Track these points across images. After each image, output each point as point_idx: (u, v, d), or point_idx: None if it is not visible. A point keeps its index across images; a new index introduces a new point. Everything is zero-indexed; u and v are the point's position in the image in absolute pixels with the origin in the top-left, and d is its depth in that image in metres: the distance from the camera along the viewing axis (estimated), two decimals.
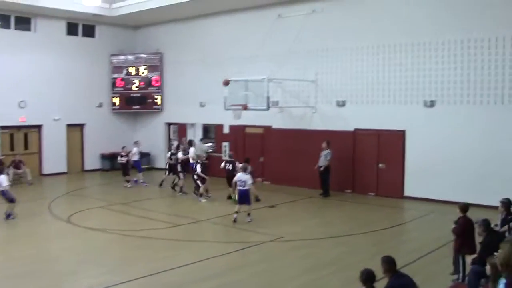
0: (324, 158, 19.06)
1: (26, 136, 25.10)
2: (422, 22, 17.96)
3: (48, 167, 25.40)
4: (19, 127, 24.65)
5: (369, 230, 14.38)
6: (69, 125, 26.18)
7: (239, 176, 15.43)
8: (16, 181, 21.91)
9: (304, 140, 20.88)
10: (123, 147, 22.34)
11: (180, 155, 20.14)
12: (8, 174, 17.29)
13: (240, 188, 15.26)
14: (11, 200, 15.69)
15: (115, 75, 27.32)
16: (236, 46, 23.28)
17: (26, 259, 11.93)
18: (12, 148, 24.37)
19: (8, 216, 15.61)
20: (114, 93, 27.45)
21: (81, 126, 26.81)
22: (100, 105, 27.16)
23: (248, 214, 15.34)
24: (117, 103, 27.49)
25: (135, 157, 22.26)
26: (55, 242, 13.83)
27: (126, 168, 22.00)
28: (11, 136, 24.57)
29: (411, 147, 18.43)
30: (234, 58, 23.12)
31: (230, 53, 23.49)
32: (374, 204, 18.08)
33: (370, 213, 16.85)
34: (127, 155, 21.80)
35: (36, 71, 24.62)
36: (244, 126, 22.69)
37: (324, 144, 19.09)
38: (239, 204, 15.30)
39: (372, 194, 19.37)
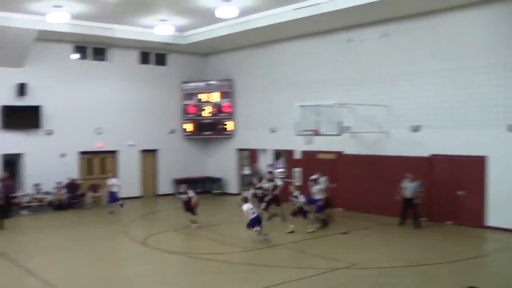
0: (412, 189, 18.27)
1: (103, 161, 25.90)
2: (502, 43, 17.29)
3: (123, 191, 25.95)
4: (96, 153, 25.50)
5: (447, 261, 13.76)
6: (143, 151, 26.84)
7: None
8: (93, 203, 22.63)
9: (377, 166, 20.48)
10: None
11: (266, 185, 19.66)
12: None
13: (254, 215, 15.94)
14: None
15: (187, 102, 27.85)
16: (307, 71, 23.26)
17: (104, 279, 12.29)
18: (90, 173, 25.20)
19: None
20: (185, 119, 27.94)
21: (154, 151, 27.40)
22: (172, 131, 27.70)
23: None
24: (189, 129, 27.96)
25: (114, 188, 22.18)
26: (132, 264, 14.16)
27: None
28: (89, 161, 25.42)
29: (493, 174, 17.54)
30: (305, 83, 23.11)
31: (301, 78, 23.49)
32: (452, 233, 17.38)
33: (448, 242, 16.19)
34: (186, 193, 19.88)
35: (112, 99, 25.49)
36: (316, 152, 22.49)
37: (409, 175, 18.40)
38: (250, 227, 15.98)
39: (450, 222, 18.61)
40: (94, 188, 23.63)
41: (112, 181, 22.15)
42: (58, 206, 22.38)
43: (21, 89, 22.60)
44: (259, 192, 19.24)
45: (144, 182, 26.97)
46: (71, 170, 23.76)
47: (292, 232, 17.10)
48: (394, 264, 13.45)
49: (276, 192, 19.11)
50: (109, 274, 12.90)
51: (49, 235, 18.05)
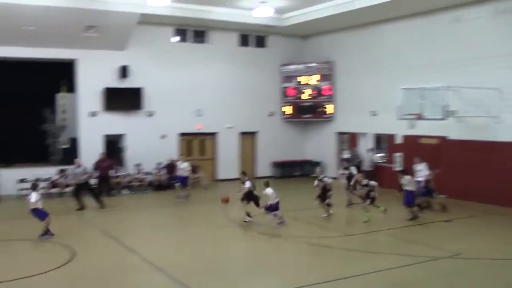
0: None
1: (202, 142, 26.25)
2: None
3: (222, 173, 26.32)
4: (196, 134, 25.87)
5: None
6: (242, 133, 26.91)
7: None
8: (193, 185, 23.04)
9: (486, 153, 19.11)
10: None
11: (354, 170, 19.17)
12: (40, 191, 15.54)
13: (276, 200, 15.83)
14: (41, 219, 14.41)
15: (286, 84, 27.52)
16: (410, 52, 22.15)
17: (202, 258, 12.50)
18: (189, 154, 25.62)
19: (43, 234, 14.38)
20: (285, 102, 27.65)
21: (253, 134, 27.39)
22: (271, 114, 27.52)
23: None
24: (288, 112, 27.66)
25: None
26: (229, 244, 14.22)
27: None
28: (189, 142, 25.86)
29: None
30: (408, 65, 22.02)
31: (404, 60, 22.41)
32: None
33: None
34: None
35: (211, 81, 25.65)
36: (418, 137, 21.39)
37: None
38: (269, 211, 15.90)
39: None
40: (193, 169, 23.94)
41: (184, 165, 21.27)
42: (158, 186, 22.93)
43: (123, 72, 23.24)
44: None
45: (243, 165, 27.03)
46: (170, 151, 24.13)
47: (384, 211, 16.51)
48: (502, 255, 12.53)
49: (353, 181, 18.30)
50: (206, 253, 13.07)
51: (148, 214, 18.61)
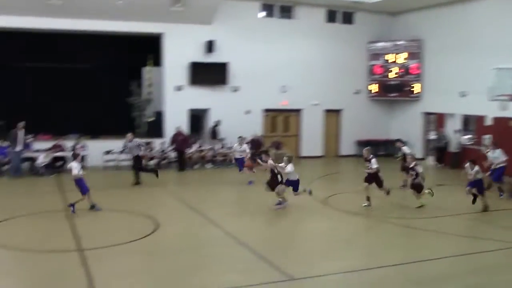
0: None
1: (287, 119, 26.43)
2: None
3: (305, 150, 26.43)
4: (280, 111, 26.05)
5: None
6: (327, 111, 26.83)
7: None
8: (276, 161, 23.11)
9: None
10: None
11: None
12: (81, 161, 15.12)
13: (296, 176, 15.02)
14: (82, 192, 14.21)
15: (373, 62, 27.07)
16: (504, 31, 21.10)
17: (288, 235, 12.79)
18: (273, 130, 25.91)
19: (92, 207, 14.39)
20: (371, 80, 27.25)
21: (338, 112, 27.24)
22: (357, 92, 27.21)
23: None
24: (374, 90, 27.26)
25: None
26: (312, 221, 14.19)
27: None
28: (273, 119, 26.09)
29: None
30: (501, 44, 21.01)
31: (496, 39, 21.39)
32: None
33: None
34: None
35: (297, 57, 25.55)
36: (510, 118, 20.54)
37: None
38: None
39: None
40: (277, 145, 24.12)
41: (241, 147, 19.88)
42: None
43: (209, 46, 23.57)
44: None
45: (327, 142, 27.05)
46: (255, 127, 24.27)
47: (430, 193, 15.72)
48: None
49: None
50: (290, 230, 13.29)
51: (229, 188, 18.82)
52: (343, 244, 12.03)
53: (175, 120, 23.17)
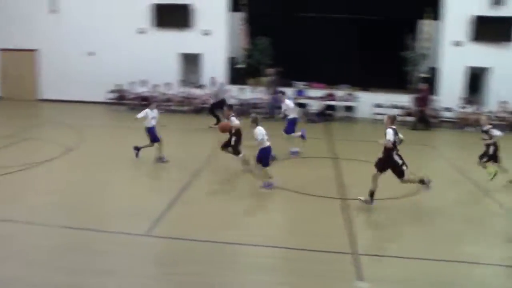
0: None
1: None
2: None
3: None
4: None
5: None
6: None
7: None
8: None
9: None
10: None
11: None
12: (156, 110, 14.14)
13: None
14: (151, 140, 13.81)
15: None
16: None
17: None
18: None
19: (159, 159, 13.87)
20: None
21: None
22: None
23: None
24: None
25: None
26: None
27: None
28: None
29: None
30: None
31: None
32: None
33: None
34: None
35: None
36: None
37: None
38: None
39: None
40: None
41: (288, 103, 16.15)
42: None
43: None
44: None
45: None
46: None
47: (495, 175, 12.50)
48: None
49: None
50: None
51: None
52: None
53: (452, 78, 21.99)
